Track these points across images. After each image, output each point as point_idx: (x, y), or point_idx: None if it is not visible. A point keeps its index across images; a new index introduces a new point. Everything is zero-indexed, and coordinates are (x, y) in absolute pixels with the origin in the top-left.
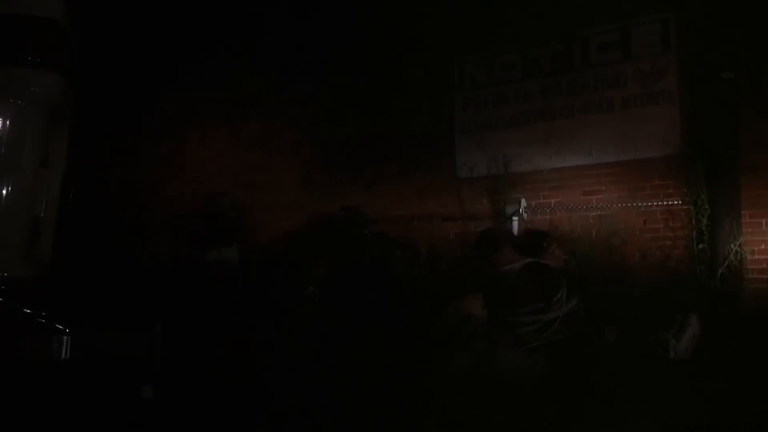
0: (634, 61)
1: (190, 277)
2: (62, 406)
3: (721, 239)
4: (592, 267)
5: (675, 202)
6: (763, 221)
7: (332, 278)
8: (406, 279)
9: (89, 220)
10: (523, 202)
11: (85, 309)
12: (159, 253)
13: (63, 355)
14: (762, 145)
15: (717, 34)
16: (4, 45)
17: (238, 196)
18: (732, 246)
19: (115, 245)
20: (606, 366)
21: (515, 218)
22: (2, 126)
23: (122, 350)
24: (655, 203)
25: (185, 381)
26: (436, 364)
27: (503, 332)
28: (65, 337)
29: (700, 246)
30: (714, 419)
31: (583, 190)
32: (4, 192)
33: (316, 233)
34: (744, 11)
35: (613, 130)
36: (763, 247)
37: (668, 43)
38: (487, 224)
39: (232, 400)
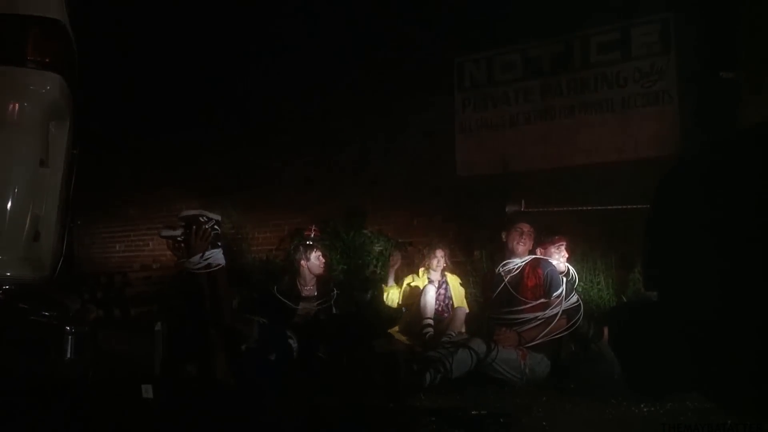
0: (634, 61)
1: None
2: (64, 407)
3: None
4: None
5: None
6: None
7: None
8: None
9: (88, 219)
10: (523, 204)
11: (85, 309)
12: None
13: (65, 356)
14: None
15: (717, 34)
16: (4, 45)
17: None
18: None
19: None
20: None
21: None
22: (2, 126)
23: (123, 350)
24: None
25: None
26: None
27: (503, 330)
28: (68, 337)
29: None
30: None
31: (582, 189)
32: (5, 192)
33: None
34: (744, 11)
35: (612, 130)
36: None
37: (668, 43)
38: (486, 224)
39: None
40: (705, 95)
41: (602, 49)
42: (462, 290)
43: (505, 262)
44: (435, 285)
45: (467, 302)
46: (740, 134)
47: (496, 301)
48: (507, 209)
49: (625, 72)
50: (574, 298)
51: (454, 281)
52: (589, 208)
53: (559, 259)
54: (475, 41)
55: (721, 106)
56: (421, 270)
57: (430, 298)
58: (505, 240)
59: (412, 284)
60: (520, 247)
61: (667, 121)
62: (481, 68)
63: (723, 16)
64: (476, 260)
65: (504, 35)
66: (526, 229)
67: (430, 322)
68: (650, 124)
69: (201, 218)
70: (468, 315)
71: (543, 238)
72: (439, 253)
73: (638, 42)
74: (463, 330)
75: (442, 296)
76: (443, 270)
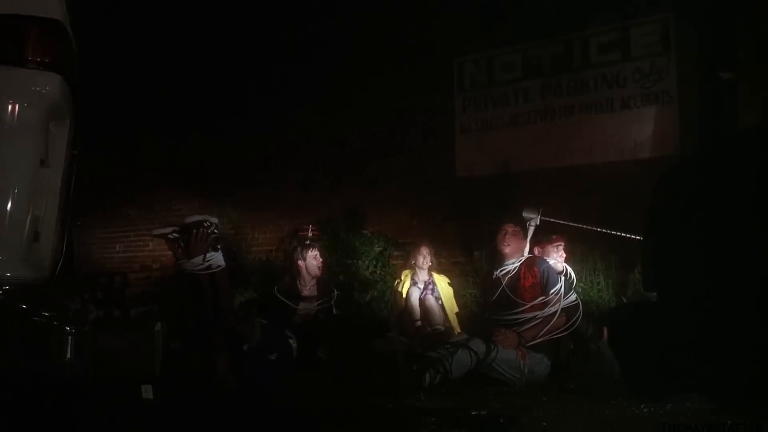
0: (633, 61)
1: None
2: (63, 408)
3: None
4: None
5: None
6: None
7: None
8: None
9: (88, 219)
10: (541, 211)
11: (85, 309)
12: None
13: (65, 356)
14: None
15: (717, 34)
16: (4, 45)
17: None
18: None
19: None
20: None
21: (532, 225)
22: (2, 126)
23: (123, 350)
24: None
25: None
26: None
27: (503, 331)
28: (68, 338)
29: None
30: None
31: (582, 189)
32: (5, 192)
33: None
34: (744, 11)
35: (612, 130)
36: None
37: (668, 43)
38: (487, 224)
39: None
40: (705, 95)
41: (602, 49)
42: (450, 290)
43: (502, 266)
44: (420, 287)
45: (457, 302)
46: (740, 134)
47: (497, 304)
48: (524, 215)
49: (625, 72)
50: (573, 296)
51: (441, 281)
52: (616, 233)
53: (557, 259)
54: (475, 41)
55: (721, 106)
56: (404, 272)
57: (414, 299)
58: (497, 242)
59: (401, 286)
60: (507, 248)
61: (667, 121)
62: (481, 68)
63: (723, 16)
64: (476, 260)
65: (504, 35)
66: (510, 230)
67: (420, 323)
68: (650, 124)
69: (205, 223)
70: (468, 315)
71: (541, 238)
72: (424, 250)
73: (638, 42)
74: (441, 320)
75: (430, 296)
76: (430, 269)
